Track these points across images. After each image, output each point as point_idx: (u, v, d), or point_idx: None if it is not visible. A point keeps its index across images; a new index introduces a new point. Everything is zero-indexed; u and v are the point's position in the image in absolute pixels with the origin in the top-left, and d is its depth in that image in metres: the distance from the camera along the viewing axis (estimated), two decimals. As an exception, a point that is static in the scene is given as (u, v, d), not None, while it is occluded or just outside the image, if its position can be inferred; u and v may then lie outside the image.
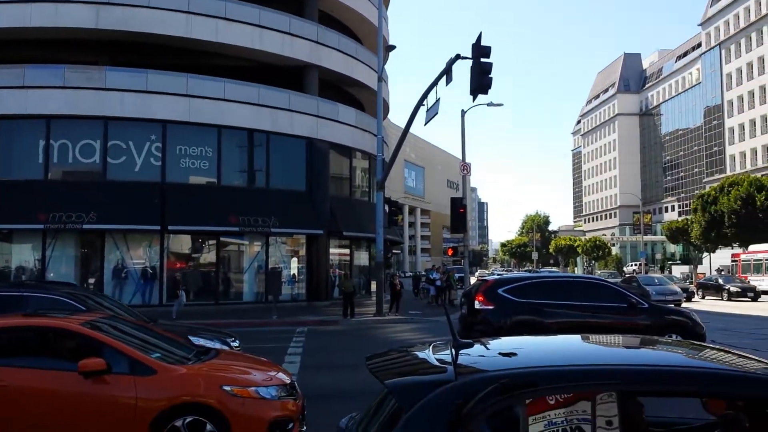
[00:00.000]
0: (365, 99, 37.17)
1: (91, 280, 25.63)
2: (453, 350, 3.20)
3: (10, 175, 25.65)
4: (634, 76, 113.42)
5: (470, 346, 3.43)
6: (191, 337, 9.13)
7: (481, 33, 19.39)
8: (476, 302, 11.87)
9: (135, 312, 11.00)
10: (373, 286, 29.88)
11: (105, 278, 25.79)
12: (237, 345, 10.01)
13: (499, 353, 3.19)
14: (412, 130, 23.83)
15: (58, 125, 26.04)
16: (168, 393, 5.89)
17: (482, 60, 19.10)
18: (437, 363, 3.02)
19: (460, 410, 2.57)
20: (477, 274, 52.70)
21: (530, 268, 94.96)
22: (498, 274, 19.58)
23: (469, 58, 19.56)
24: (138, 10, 26.90)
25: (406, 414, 2.61)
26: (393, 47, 30.57)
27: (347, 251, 33.55)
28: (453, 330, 3.34)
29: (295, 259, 30.97)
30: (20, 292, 9.49)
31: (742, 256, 45.84)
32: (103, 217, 24.57)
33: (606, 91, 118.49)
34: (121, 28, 26.78)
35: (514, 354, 3.13)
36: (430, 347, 3.35)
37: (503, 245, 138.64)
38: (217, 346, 9.15)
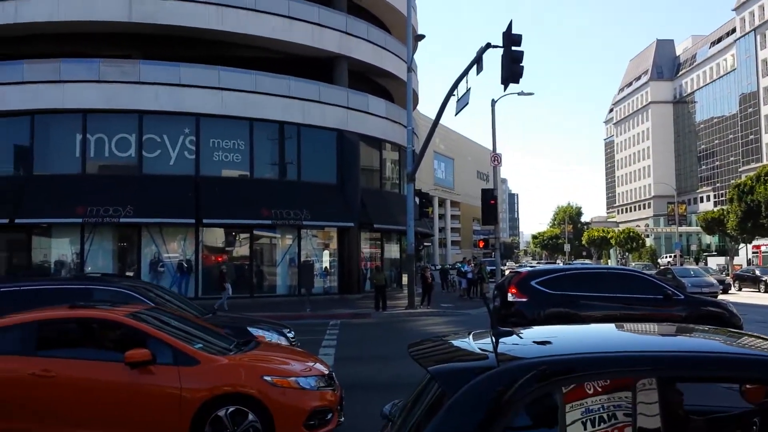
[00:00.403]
0: (394, 90, 37.14)
1: (129, 273, 26.04)
2: (493, 338, 3.26)
3: (49, 170, 26.25)
4: (667, 63, 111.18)
5: (510, 334, 3.49)
6: (250, 328, 9.36)
7: (511, 21, 19.19)
8: (509, 294, 11.86)
9: (193, 304, 11.27)
10: (405, 279, 29.94)
11: (142, 271, 26.18)
12: (293, 336, 10.20)
13: (536, 341, 3.23)
14: (441, 120, 23.76)
15: (94, 119, 26.52)
16: (211, 383, 6.01)
17: (513, 48, 18.91)
18: (479, 350, 3.08)
19: (502, 396, 2.62)
20: (506, 266, 52.30)
21: (562, 260, 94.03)
22: (530, 267, 19.45)
23: (499, 47, 19.32)
24: (169, 3, 27.22)
25: (450, 399, 2.66)
26: (422, 37, 30.47)
27: (378, 244, 33.66)
28: (493, 318, 3.39)
29: (326, 252, 31.16)
30: (85, 285, 9.78)
31: (763, 248, 45.06)
32: (140, 210, 25.00)
33: (638, 78, 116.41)
34: (153, 21, 27.11)
35: (549, 342, 3.17)
36: (471, 335, 3.41)
37: (534, 237, 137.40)
38: (275, 337, 9.40)
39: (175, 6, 27.25)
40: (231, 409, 5.97)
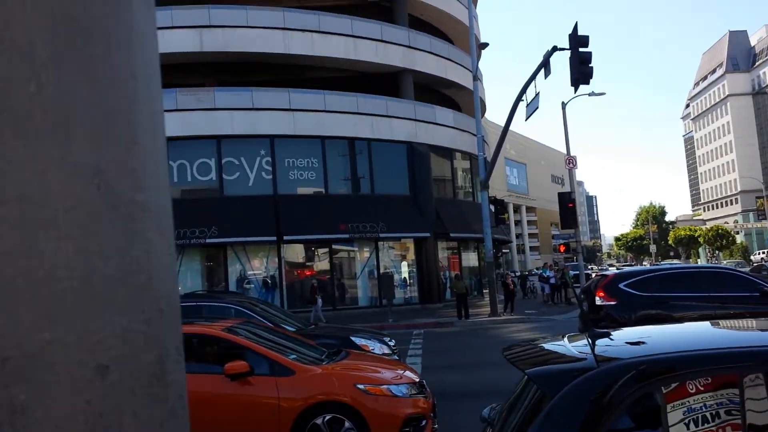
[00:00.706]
0: (461, 99, 37.11)
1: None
2: (590, 339, 3.27)
3: (137, 197, 27.50)
4: (742, 54, 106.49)
5: (606, 336, 3.50)
6: (353, 338, 9.65)
7: (577, 23, 19.05)
8: (597, 298, 11.58)
9: (295, 317, 11.75)
10: (485, 287, 29.74)
11: (229, 289, 27.00)
12: (393, 344, 10.40)
13: (631, 342, 3.23)
14: (510, 126, 23.58)
15: (175, 146, 27.56)
16: (306, 392, 6.16)
17: (581, 50, 18.72)
18: (576, 352, 3.09)
19: (603, 398, 2.63)
20: (592, 269, 51.02)
21: (649, 262, 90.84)
22: (617, 270, 18.91)
23: (566, 49, 19.16)
24: (238, 31, 28.20)
25: (550, 402, 2.69)
26: (486, 45, 30.37)
27: (455, 252, 33.59)
28: (587, 319, 3.41)
29: (404, 263, 31.32)
30: (195, 302, 10.34)
31: None
32: (223, 231, 25.89)
33: (713, 71, 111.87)
34: (223, 49, 28.13)
35: (644, 342, 3.16)
36: (566, 338, 3.44)
37: (617, 239, 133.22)
38: (377, 345, 9.62)
39: (243, 33, 28.22)
40: (328, 417, 6.11)
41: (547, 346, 3.56)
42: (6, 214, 0.72)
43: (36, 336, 0.72)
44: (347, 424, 6.08)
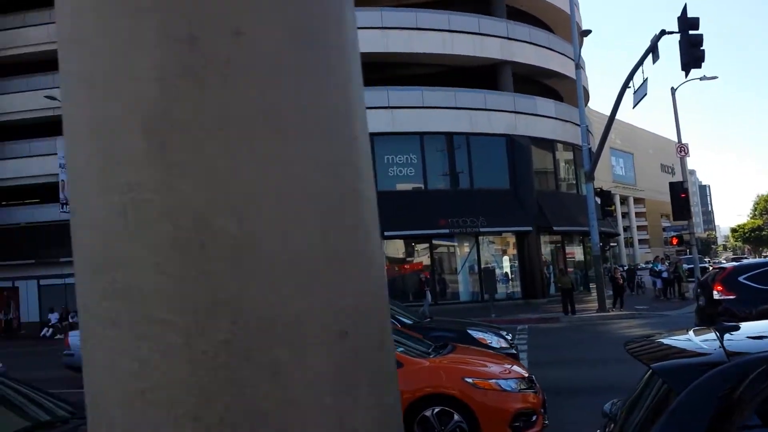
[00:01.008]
0: (563, 88, 36.21)
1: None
2: (718, 333, 3.15)
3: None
4: None
5: (735, 329, 3.36)
6: (470, 330, 9.80)
7: (686, 4, 18.30)
8: (715, 292, 11.00)
9: (410, 310, 12.05)
10: (592, 282, 28.93)
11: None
12: (510, 338, 10.42)
13: (754, 336, 3.12)
14: (616, 114, 22.76)
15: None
16: (414, 385, 6.21)
17: (691, 32, 17.95)
18: (703, 346, 3.00)
19: (733, 393, 2.54)
20: (709, 263, 48.48)
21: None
22: (736, 263, 17.91)
23: (675, 33, 18.43)
24: (339, 33, 28.89)
25: (678, 397, 2.61)
26: (588, 32, 29.41)
27: (559, 246, 32.87)
28: (704, 315, 3.30)
29: (506, 258, 31.03)
30: None
31: None
32: (329, 228, 26.66)
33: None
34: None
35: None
36: (691, 331, 3.33)
37: (734, 230, 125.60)
38: (494, 339, 9.69)
39: (342, 34, 28.84)
40: (437, 410, 6.16)
41: (670, 340, 3.46)
42: (266, 203, 0.86)
43: (293, 305, 0.87)
44: (456, 417, 6.11)
